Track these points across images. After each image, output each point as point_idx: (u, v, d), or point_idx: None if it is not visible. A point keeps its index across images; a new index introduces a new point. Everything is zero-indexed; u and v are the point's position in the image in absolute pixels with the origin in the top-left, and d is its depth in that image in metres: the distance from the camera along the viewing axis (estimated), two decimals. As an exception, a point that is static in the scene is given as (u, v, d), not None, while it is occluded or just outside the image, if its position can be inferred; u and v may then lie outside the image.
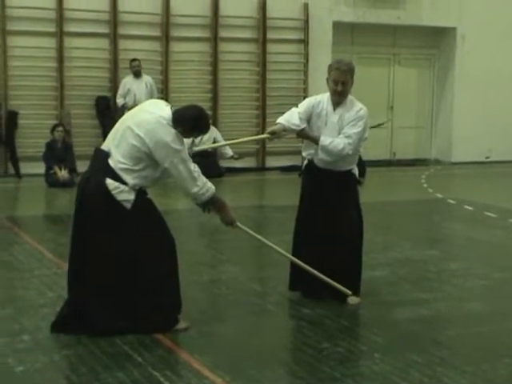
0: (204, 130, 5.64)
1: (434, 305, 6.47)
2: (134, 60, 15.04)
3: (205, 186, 5.55)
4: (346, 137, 6.27)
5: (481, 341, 5.60)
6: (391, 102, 18.54)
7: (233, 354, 5.22)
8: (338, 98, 6.38)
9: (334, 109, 6.39)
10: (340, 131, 6.32)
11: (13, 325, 5.74)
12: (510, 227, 10.37)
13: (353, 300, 6.41)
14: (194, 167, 5.52)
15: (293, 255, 6.50)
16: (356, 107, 6.41)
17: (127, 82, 15.04)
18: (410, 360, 5.10)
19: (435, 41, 18.73)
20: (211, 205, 5.73)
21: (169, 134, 5.38)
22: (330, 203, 6.43)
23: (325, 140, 6.27)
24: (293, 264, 6.52)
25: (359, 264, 6.57)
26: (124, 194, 5.43)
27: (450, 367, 5.03)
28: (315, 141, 6.33)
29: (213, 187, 5.61)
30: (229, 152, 15.69)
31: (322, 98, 6.48)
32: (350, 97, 6.46)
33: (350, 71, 6.46)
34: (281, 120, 6.36)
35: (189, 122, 5.46)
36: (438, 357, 5.22)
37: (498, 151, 18.38)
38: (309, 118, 6.40)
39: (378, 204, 11.93)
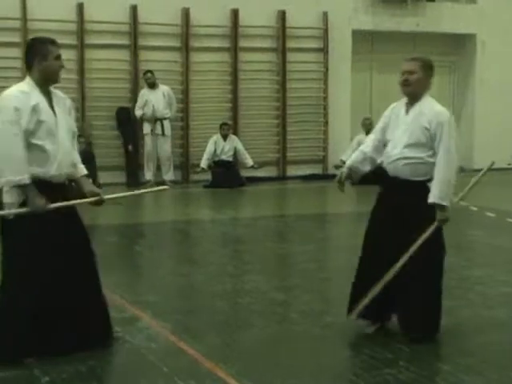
0: (47, 40, 5.32)
1: (458, 312, 6.42)
2: (146, 72, 15.17)
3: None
4: (445, 152, 5.67)
5: (506, 348, 5.57)
6: (411, 110, 18.51)
7: (257, 363, 5.22)
8: (404, 89, 5.79)
9: (407, 111, 5.82)
10: (413, 134, 5.70)
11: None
12: (532, 234, 10.32)
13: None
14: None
15: (357, 277, 5.98)
16: (435, 109, 5.75)
17: (144, 93, 15.16)
18: (435, 368, 5.09)
19: (455, 48, 18.69)
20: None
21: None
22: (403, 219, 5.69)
23: (442, 177, 5.69)
24: (354, 287, 5.98)
25: (433, 298, 5.74)
26: (7, 196, 5.16)
27: (475, 375, 5.00)
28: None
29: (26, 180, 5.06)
30: (249, 162, 15.71)
31: (397, 103, 5.99)
32: (428, 98, 5.82)
33: (419, 61, 5.80)
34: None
35: (33, 47, 5.27)
36: (463, 364, 5.19)
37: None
38: (385, 130, 5.92)
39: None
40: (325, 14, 16.73)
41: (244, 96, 16.29)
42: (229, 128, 15.62)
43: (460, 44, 18.67)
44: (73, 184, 5.53)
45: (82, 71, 15.09)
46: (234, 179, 15.15)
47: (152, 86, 15.13)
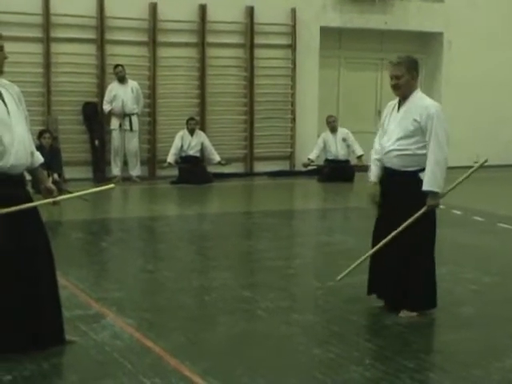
0: None
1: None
2: (117, 66, 15.05)
3: None
4: (436, 143, 6.00)
5: (472, 346, 5.58)
6: (379, 107, 18.52)
7: (224, 361, 5.18)
8: (395, 92, 6.16)
9: (399, 108, 6.19)
10: (403, 127, 6.10)
11: None
12: (498, 231, 10.38)
13: (404, 313, 6.16)
14: None
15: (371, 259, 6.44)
16: (424, 103, 6.12)
17: (113, 87, 15.05)
18: (401, 365, 5.07)
19: (422, 46, 18.76)
20: None
21: None
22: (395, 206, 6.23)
23: (432, 169, 6.05)
24: (370, 269, 6.45)
25: (422, 276, 6.20)
26: None
27: (441, 372, 5.01)
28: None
29: None
30: (216, 158, 15.67)
31: (392, 102, 6.34)
32: (418, 93, 6.18)
33: (404, 64, 6.10)
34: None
35: None
36: (429, 362, 5.20)
37: (486, 156, 18.30)
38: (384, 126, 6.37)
39: (367, 209, 11.91)
40: (293, 11, 16.72)
41: (211, 92, 16.23)
42: (196, 123, 15.55)
43: (427, 42, 18.75)
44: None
45: (47, 65, 14.93)
46: (201, 175, 15.09)
47: (122, 80, 15.04)
